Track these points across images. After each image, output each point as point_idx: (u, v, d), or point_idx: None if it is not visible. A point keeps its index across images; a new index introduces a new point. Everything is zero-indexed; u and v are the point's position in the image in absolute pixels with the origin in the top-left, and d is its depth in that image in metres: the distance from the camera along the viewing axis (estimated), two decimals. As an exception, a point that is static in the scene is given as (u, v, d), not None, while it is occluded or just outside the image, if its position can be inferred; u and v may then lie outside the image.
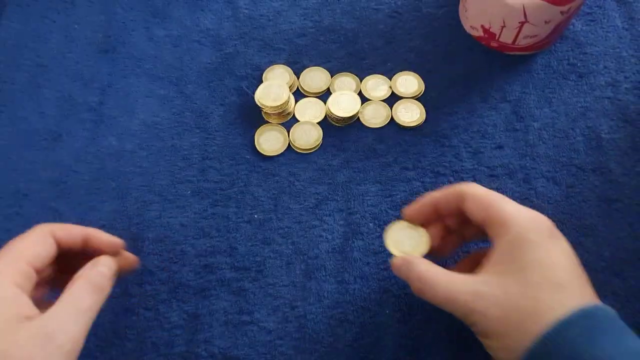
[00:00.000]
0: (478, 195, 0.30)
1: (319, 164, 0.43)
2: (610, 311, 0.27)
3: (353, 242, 0.40)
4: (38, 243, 0.30)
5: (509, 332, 0.26)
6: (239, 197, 0.42)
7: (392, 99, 0.46)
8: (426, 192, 0.34)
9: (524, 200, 0.41)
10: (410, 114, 0.45)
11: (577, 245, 0.39)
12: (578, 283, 0.28)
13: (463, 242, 0.35)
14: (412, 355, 0.36)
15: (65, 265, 0.32)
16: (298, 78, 0.47)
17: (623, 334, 0.25)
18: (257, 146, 0.44)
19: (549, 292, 0.26)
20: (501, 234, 0.28)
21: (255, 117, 0.45)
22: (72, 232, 0.32)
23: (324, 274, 0.39)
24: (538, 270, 0.27)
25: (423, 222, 0.34)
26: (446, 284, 0.28)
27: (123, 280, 0.39)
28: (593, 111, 0.45)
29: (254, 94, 0.44)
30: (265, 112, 0.45)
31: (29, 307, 0.27)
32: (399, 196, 0.42)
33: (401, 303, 0.38)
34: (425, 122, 0.44)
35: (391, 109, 0.45)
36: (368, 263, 0.39)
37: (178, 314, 0.38)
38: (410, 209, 0.34)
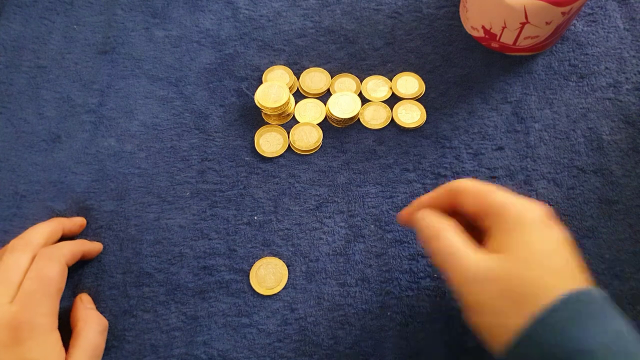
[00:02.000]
0: (471, 188, 0.30)
1: (319, 166, 0.43)
2: (600, 294, 0.27)
3: (354, 244, 0.40)
4: (53, 234, 0.37)
5: (505, 310, 0.26)
6: (238, 198, 0.42)
7: (393, 100, 0.45)
8: (421, 195, 0.34)
9: (524, 201, 0.41)
10: (411, 115, 0.44)
11: (578, 246, 0.39)
12: (572, 268, 0.28)
13: None
14: (413, 358, 0.36)
15: None
16: (298, 79, 0.47)
17: (610, 317, 0.25)
18: (256, 147, 0.44)
19: (547, 275, 0.26)
20: (497, 222, 0.29)
21: (255, 118, 0.45)
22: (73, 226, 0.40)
23: (324, 276, 0.39)
24: (534, 251, 0.27)
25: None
26: (459, 241, 0.29)
27: (122, 282, 0.39)
28: (594, 112, 0.44)
29: (253, 95, 0.44)
30: (265, 113, 0.45)
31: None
32: (399, 198, 0.41)
33: (402, 305, 0.37)
34: (425, 123, 0.44)
35: (391, 110, 0.45)
36: (370, 265, 0.39)
37: (177, 316, 0.38)
38: (404, 212, 0.34)
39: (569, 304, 0.25)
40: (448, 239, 0.29)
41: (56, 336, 0.33)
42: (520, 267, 0.27)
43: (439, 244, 0.29)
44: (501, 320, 0.26)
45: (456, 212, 0.32)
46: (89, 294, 0.39)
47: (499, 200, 0.29)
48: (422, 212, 0.32)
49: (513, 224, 0.28)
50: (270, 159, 0.43)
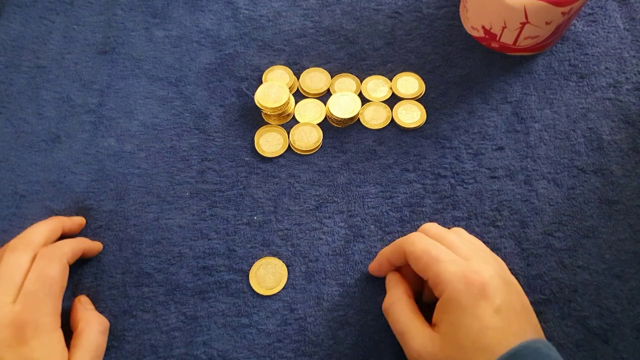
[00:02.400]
0: (416, 255, 0.33)
1: (319, 166, 0.43)
2: (536, 348, 0.28)
3: (354, 244, 0.40)
4: (53, 233, 0.37)
5: None
6: (238, 198, 0.42)
7: (393, 100, 0.45)
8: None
9: (524, 201, 0.41)
10: (411, 115, 0.44)
11: (578, 246, 0.39)
12: (508, 337, 0.29)
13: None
14: (412, 358, 0.36)
15: None
16: (298, 79, 0.47)
17: None
18: (256, 147, 0.43)
19: (477, 355, 0.28)
20: (439, 294, 0.31)
21: (255, 118, 0.45)
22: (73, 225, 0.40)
23: (324, 276, 0.39)
24: (467, 335, 0.29)
25: (388, 273, 0.37)
26: (407, 320, 0.32)
27: (121, 283, 0.39)
28: (594, 112, 0.44)
29: (253, 95, 0.44)
30: (265, 113, 0.45)
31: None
32: (399, 198, 0.41)
33: (401, 305, 0.37)
34: (425, 123, 0.44)
35: (391, 110, 0.45)
36: (367, 265, 0.39)
37: (176, 316, 0.38)
38: (372, 266, 0.38)
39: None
40: (398, 314, 0.33)
41: (59, 335, 0.33)
42: (453, 353, 0.29)
43: (392, 317, 0.33)
44: None
45: None
46: (89, 294, 0.39)
47: (440, 277, 0.31)
48: (388, 276, 0.37)
49: (450, 307, 0.30)
50: (270, 159, 0.43)
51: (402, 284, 0.35)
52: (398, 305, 0.33)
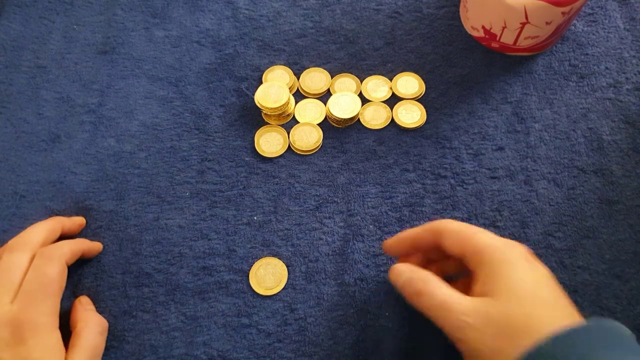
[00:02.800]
0: (454, 231, 0.31)
1: (319, 166, 0.43)
2: (598, 326, 0.26)
3: (353, 244, 0.40)
4: (52, 233, 0.37)
5: (502, 348, 0.26)
6: (238, 199, 0.42)
7: (393, 100, 0.45)
8: (406, 229, 0.35)
9: (524, 202, 0.41)
10: (411, 115, 0.44)
11: (579, 247, 0.39)
12: (563, 302, 0.28)
13: (443, 275, 0.34)
14: (412, 358, 0.36)
15: None
16: (298, 79, 0.47)
17: (605, 353, 0.25)
18: (256, 147, 0.43)
19: (540, 307, 0.27)
20: (481, 266, 0.29)
21: (255, 118, 0.45)
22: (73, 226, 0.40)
23: (323, 276, 0.39)
24: (525, 288, 0.27)
25: (402, 254, 0.35)
26: (445, 291, 0.29)
27: (121, 283, 0.39)
28: (594, 112, 0.44)
29: (253, 95, 0.44)
30: (265, 114, 0.45)
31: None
32: (399, 198, 0.41)
33: (401, 306, 0.37)
34: (425, 123, 0.44)
35: (391, 110, 0.45)
36: (368, 265, 0.39)
37: (176, 316, 0.38)
38: (389, 243, 0.35)
39: (558, 342, 0.25)
40: (435, 293, 0.29)
41: (57, 335, 0.33)
42: (511, 306, 0.27)
43: (428, 300, 0.29)
44: (499, 358, 0.26)
45: (438, 248, 0.32)
46: (89, 294, 0.39)
47: (481, 244, 0.29)
48: (398, 268, 0.32)
49: (498, 266, 0.28)
50: (270, 159, 0.43)
51: (424, 270, 0.32)
52: (432, 282, 0.30)
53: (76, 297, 0.38)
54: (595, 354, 0.24)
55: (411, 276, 0.31)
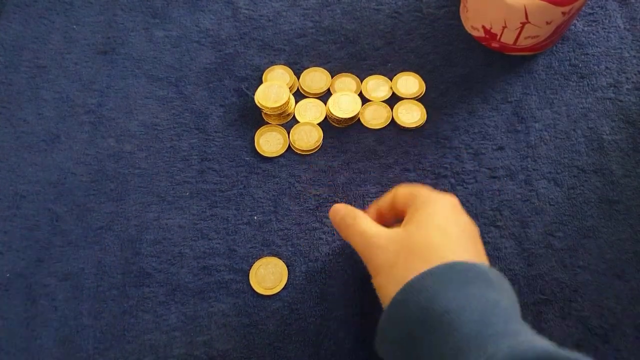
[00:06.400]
0: (403, 190, 0.34)
1: (319, 165, 0.43)
2: (487, 270, 0.27)
3: (353, 244, 0.40)
4: None
5: (398, 263, 0.28)
6: (238, 198, 0.42)
7: (393, 100, 0.45)
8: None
9: (525, 201, 0.41)
10: (411, 115, 0.44)
11: (579, 246, 0.39)
12: (472, 245, 0.29)
13: None
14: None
15: None
16: (298, 79, 0.47)
17: (483, 287, 0.26)
18: (257, 147, 0.43)
19: (442, 238, 0.28)
20: (412, 204, 0.32)
21: (255, 118, 0.45)
22: None
23: (324, 276, 0.39)
24: (434, 221, 0.29)
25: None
26: (369, 223, 0.32)
27: (121, 283, 0.39)
28: (594, 112, 0.44)
29: (253, 94, 0.44)
30: (265, 113, 0.45)
31: None
32: (399, 198, 0.41)
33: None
34: (425, 123, 0.44)
35: (392, 110, 0.45)
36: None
37: (176, 316, 0.38)
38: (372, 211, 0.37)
39: (445, 271, 0.26)
40: (360, 224, 0.32)
41: None
42: (417, 231, 0.29)
43: (352, 231, 0.32)
44: (395, 273, 0.28)
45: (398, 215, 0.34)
46: (89, 294, 0.39)
47: (417, 192, 0.32)
48: (336, 207, 0.35)
49: (421, 205, 0.31)
50: (270, 159, 0.43)
51: (358, 209, 0.35)
52: (360, 218, 0.33)
53: (76, 297, 0.38)
54: (443, 290, 0.25)
55: (345, 213, 0.33)
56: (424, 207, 0.30)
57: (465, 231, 0.30)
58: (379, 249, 0.30)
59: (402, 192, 0.33)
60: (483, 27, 0.45)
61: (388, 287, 0.28)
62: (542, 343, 0.24)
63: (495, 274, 0.27)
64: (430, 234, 0.29)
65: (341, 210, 0.34)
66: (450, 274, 0.26)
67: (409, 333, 0.26)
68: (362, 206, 0.41)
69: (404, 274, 0.27)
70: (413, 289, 0.26)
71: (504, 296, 0.26)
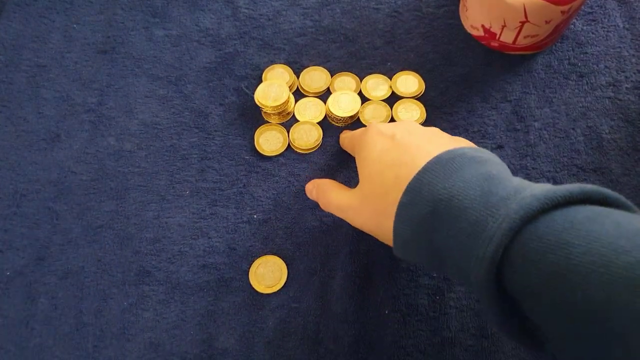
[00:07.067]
0: (346, 134, 0.39)
1: (319, 164, 0.43)
2: (460, 151, 0.29)
3: (353, 242, 0.40)
4: None
5: (373, 218, 0.31)
6: (238, 197, 0.42)
7: (393, 99, 0.45)
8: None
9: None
10: (411, 114, 0.44)
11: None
12: (431, 142, 0.31)
13: None
14: (411, 355, 0.36)
15: None
16: (298, 78, 0.47)
17: (471, 165, 0.27)
18: (256, 146, 0.44)
19: (383, 175, 0.31)
20: (356, 157, 0.35)
21: (254, 117, 0.45)
22: None
23: (323, 275, 0.39)
24: (375, 178, 0.31)
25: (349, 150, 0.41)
26: (337, 193, 0.35)
27: (121, 281, 0.39)
28: (594, 111, 0.44)
29: (253, 93, 0.44)
30: (265, 112, 0.45)
31: None
32: (399, 196, 0.41)
33: (400, 303, 0.37)
34: (425, 121, 0.44)
35: (391, 109, 0.45)
36: (367, 263, 0.39)
37: (176, 314, 0.38)
38: (342, 138, 0.42)
39: (434, 165, 0.28)
40: (331, 197, 0.36)
41: None
42: (367, 186, 0.32)
43: (327, 198, 0.36)
44: (382, 218, 0.31)
45: None
46: (89, 292, 0.39)
47: (351, 135, 0.38)
48: (308, 185, 0.39)
49: (359, 155, 0.34)
50: (270, 158, 0.43)
51: (325, 180, 0.39)
52: (328, 190, 0.36)
53: (76, 295, 0.38)
54: (441, 180, 0.27)
55: (316, 189, 0.38)
56: (361, 157, 0.33)
57: (413, 133, 0.32)
58: (351, 210, 0.33)
59: (348, 139, 0.39)
60: (482, 26, 0.46)
61: (384, 223, 0.30)
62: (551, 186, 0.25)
63: (474, 150, 0.29)
64: (375, 186, 0.31)
65: (312, 192, 0.39)
66: (439, 166, 0.28)
67: (420, 223, 0.27)
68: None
69: (385, 224, 0.30)
70: (416, 187, 0.28)
71: (492, 167, 0.28)
